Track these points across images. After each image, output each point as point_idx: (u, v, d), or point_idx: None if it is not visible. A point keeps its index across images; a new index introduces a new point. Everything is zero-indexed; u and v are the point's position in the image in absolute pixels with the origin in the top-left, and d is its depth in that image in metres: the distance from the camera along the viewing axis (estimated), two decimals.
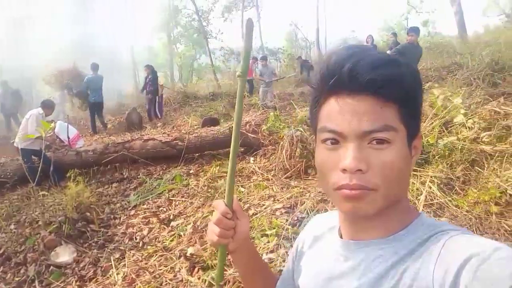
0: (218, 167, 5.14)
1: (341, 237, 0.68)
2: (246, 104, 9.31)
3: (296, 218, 3.27)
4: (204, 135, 5.62)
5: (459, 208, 3.11)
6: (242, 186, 4.26)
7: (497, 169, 3.34)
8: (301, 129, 4.49)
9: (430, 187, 3.36)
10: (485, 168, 3.45)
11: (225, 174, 4.87)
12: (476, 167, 3.54)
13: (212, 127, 6.15)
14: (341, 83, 0.56)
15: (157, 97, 10.40)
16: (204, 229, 3.44)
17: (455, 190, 3.39)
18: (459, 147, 3.73)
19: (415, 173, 3.61)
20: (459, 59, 9.49)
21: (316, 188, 3.70)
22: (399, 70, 0.56)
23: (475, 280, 0.46)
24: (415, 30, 6.83)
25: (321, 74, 0.59)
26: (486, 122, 4.15)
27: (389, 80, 0.54)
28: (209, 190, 4.29)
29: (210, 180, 4.69)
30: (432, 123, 4.14)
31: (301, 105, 6.74)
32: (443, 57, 12.14)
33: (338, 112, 0.57)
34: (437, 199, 3.22)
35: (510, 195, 2.87)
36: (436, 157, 3.77)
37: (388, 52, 9.81)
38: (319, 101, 0.61)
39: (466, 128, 4.13)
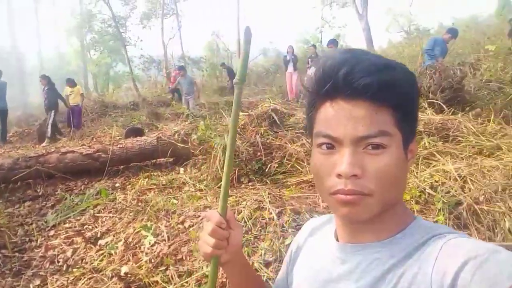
0: (146, 179, 4.92)
1: (337, 240, 0.68)
2: (171, 113, 9.11)
3: None
4: (129, 146, 5.35)
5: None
6: (174, 198, 4.12)
7: (414, 171, 3.65)
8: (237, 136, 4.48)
9: None
10: None
11: (154, 187, 4.68)
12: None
13: (137, 137, 5.87)
14: (337, 88, 0.56)
15: (53, 111, 9.37)
16: (137, 245, 3.25)
17: None
18: None
19: None
20: None
21: (252, 196, 3.71)
22: (394, 74, 0.56)
23: (473, 283, 0.46)
24: (333, 42, 7.27)
25: (317, 78, 0.59)
26: None
27: (384, 85, 0.54)
28: (139, 204, 4.07)
29: (139, 193, 4.46)
30: None
31: (229, 114, 6.73)
32: None
33: (333, 117, 0.57)
34: None
35: (428, 194, 3.15)
36: None
37: (309, 63, 10.36)
38: (315, 105, 0.61)
39: None
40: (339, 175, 0.56)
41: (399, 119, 0.57)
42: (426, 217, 3.08)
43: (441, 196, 3.02)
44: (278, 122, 4.75)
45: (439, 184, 3.20)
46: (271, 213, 3.40)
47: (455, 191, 3.04)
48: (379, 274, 0.57)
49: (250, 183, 4.32)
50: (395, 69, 0.57)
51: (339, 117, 0.56)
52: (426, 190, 3.16)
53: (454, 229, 0.59)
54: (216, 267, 0.72)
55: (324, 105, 0.59)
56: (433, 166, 3.51)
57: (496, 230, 2.64)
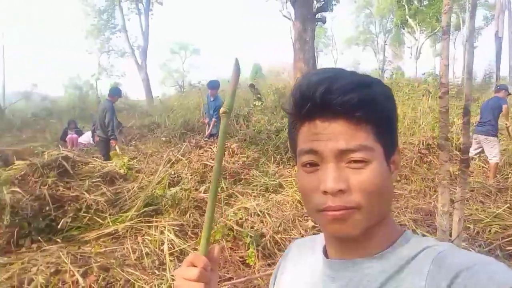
0: None
1: (326, 257, 0.67)
2: None
3: None
4: None
5: (197, 250, 3.40)
6: None
7: (219, 211, 3.90)
8: (17, 189, 3.70)
9: (169, 235, 3.52)
10: None
11: None
12: (201, 212, 4.00)
13: None
14: (315, 108, 0.56)
15: None
16: None
17: (189, 235, 3.69)
18: (185, 197, 4.14)
19: (150, 224, 3.71)
20: (157, 119, 10.61)
21: (44, 259, 3.10)
22: (370, 91, 0.57)
23: None
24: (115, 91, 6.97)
25: (294, 100, 0.59)
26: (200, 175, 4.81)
27: (362, 102, 0.55)
28: None
29: None
30: (161, 176, 4.40)
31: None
32: (135, 118, 12.88)
33: (314, 134, 0.57)
34: (178, 246, 3.41)
35: (236, 230, 3.41)
36: (167, 206, 4.02)
37: None
38: (296, 126, 0.61)
39: (188, 180, 4.65)
40: (325, 192, 0.55)
41: (379, 133, 0.58)
42: (236, 252, 3.32)
43: (248, 231, 3.32)
44: (71, 171, 4.22)
45: (244, 221, 3.52)
46: (73, 275, 2.93)
47: (258, 225, 3.41)
48: None
49: (34, 245, 3.62)
50: (372, 85, 0.58)
51: (320, 135, 0.57)
52: (234, 228, 3.42)
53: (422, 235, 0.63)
54: None
55: (304, 125, 0.59)
56: (236, 206, 3.84)
57: None
